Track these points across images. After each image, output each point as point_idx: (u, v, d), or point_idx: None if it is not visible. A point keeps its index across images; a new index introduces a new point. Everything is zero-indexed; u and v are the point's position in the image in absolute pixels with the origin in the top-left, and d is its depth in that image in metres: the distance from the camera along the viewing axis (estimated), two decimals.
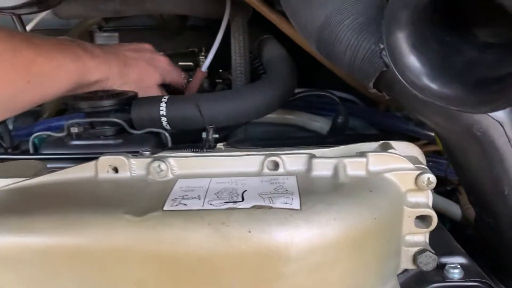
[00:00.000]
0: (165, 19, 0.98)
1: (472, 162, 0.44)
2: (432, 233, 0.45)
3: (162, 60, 0.75)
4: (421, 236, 0.46)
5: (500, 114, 0.39)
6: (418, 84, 0.37)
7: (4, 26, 0.54)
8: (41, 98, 0.59)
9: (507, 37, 0.37)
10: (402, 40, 0.36)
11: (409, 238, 0.45)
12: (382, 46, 0.40)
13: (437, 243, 0.47)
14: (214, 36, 0.83)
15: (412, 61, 0.36)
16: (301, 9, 0.49)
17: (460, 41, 0.39)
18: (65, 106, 0.83)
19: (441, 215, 0.80)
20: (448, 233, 0.54)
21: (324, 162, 0.45)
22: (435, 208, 0.67)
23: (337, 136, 0.59)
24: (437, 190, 0.82)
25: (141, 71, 0.71)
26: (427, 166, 0.69)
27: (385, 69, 0.41)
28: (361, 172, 0.44)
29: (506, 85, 0.33)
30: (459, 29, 0.39)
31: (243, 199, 0.40)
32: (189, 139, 0.68)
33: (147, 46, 0.77)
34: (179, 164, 0.46)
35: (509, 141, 0.40)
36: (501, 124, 0.40)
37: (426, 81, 0.36)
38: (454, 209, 0.77)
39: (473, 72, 0.36)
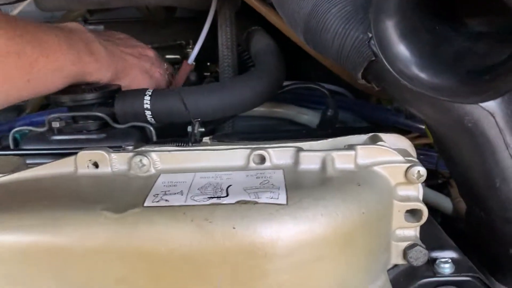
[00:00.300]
0: (152, 11, 0.96)
1: (463, 154, 0.43)
2: (422, 227, 0.45)
3: (158, 72, 0.74)
4: (412, 231, 0.45)
5: (491, 105, 0.38)
6: (408, 73, 0.35)
7: (16, 19, 0.53)
8: (34, 95, 0.59)
9: (498, 25, 0.36)
10: (391, 29, 0.35)
11: (399, 232, 0.45)
12: (370, 35, 0.39)
13: (427, 237, 0.47)
14: (201, 28, 0.81)
15: (402, 50, 0.35)
16: None
17: (451, 30, 0.37)
18: (47, 100, 0.81)
19: (432, 208, 0.79)
20: (439, 227, 0.54)
21: (312, 155, 0.44)
22: (426, 201, 0.66)
23: (327, 130, 0.57)
24: (428, 184, 0.81)
25: (134, 80, 0.70)
26: (418, 159, 0.68)
27: (373, 58, 0.40)
28: (350, 166, 0.43)
29: (497, 75, 0.31)
30: (450, 17, 0.38)
31: (227, 194, 0.38)
32: (175, 133, 0.67)
33: (150, 53, 0.75)
34: (162, 159, 0.44)
35: (500, 132, 0.39)
36: (492, 115, 0.39)
37: (416, 71, 0.35)
38: (445, 203, 0.77)
39: (464, 61, 0.35)
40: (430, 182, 0.81)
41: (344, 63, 0.43)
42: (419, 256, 0.44)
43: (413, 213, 0.44)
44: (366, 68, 0.42)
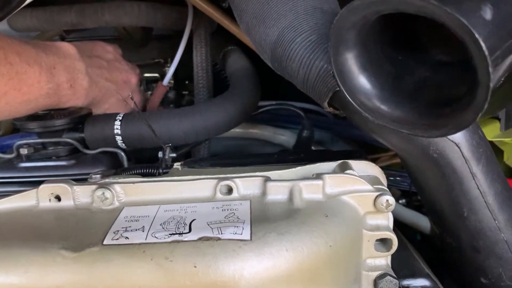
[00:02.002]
0: (129, 30, 0.95)
1: (430, 183, 0.42)
2: (395, 254, 0.44)
3: (136, 98, 0.72)
4: (382, 260, 0.44)
5: (456, 135, 0.38)
6: (369, 106, 0.35)
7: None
8: None
9: (461, 55, 0.36)
10: (351, 61, 0.34)
11: (369, 262, 0.44)
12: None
13: (400, 264, 0.46)
14: (178, 47, 0.80)
15: (362, 82, 0.35)
16: (255, 26, 0.47)
17: (413, 60, 0.37)
18: (14, 126, 0.80)
19: (411, 227, 0.79)
20: (413, 253, 0.53)
21: (279, 185, 0.43)
22: (404, 220, 0.65)
23: (299, 153, 0.57)
24: (406, 202, 0.81)
25: (109, 108, 0.68)
26: (394, 180, 0.68)
27: (338, 89, 0.39)
28: (318, 196, 0.42)
29: (457, 109, 0.31)
30: (412, 47, 0.38)
31: (190, 230, 0.37)
32: (149, 155, 0.66)
33: (134, 80, 0.73)
34: (126, 191, 0.43)
35: (466, 163, 0.39)
36: (457, 145, 0.38)
37: (377, 103, 0.35)
38: (422, 222, 0.76)
39: (424, 93, 0.34)
40: (408, 200, 0.80)
41: (310, 92, 0.43)
42: (390, 286, 0.43)
43: (383, 242, 0.43)
44: (332, 97, 0.42)
